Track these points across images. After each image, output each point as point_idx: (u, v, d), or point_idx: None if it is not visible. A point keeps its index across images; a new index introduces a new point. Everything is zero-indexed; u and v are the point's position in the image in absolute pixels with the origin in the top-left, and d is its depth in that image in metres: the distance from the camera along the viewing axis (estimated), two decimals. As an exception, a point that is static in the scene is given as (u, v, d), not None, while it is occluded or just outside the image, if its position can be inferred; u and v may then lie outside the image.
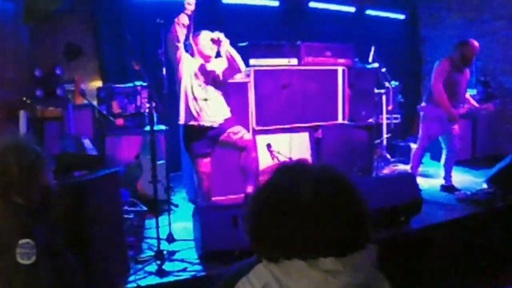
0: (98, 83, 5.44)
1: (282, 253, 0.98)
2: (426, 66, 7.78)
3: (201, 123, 3.75)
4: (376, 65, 5.75)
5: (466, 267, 3.16)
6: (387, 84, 5.92)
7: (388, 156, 6.27)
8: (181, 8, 3.53)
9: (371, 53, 5.80)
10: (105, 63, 5.63)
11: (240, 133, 3.85)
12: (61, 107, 4.17)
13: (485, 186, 4.59)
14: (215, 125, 3.79)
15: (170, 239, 3.48)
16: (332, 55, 5.04)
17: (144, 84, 4.56)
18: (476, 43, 4.62)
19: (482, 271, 3.12)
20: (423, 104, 4.93)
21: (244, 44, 4.45)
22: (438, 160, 5.14)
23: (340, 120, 5.10)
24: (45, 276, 1.67)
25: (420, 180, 4.80)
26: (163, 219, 3.49)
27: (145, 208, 3.84)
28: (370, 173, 5.28)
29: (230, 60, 3.72)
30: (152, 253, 3.22)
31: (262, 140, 4.54)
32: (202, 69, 3.77)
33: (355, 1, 7.20)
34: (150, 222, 3.68)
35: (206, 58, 3.81)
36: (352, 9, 7.18)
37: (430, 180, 5.29)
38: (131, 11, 5.65)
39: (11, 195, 1.71)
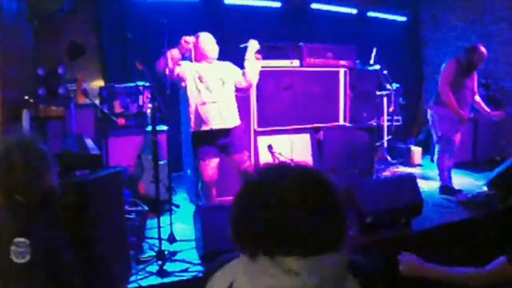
0: (100, 83, 5.46)
1: (257, 249, 0.99)
2: (427, 68, 7.80)
3: (211, 127, 3.68)
4: (377, 67, 5.77)
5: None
6: (388, 86, 5.94)
7: (389, 158, 6.29)
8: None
9: (373, 54, 5.82)
10: (108, 63, 5.64)
11: (246, 163, 3.83)
12: (63, 106, 4.17)
13: (485, 188, 4.59)
14: (225, 127, 3.71)
15: (172, 239, 3.49)
16: (334, 57, 5.04)
17: (146, 84, 4.59)
18: (484, 50, 4.61)
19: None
20: (430, 105, 4.92)
21: (245, 45, 4.45)
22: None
23: (341, 121, 5.10)
24: (38, 276, 1.66)
25: (420, 182, 4.81)
26: (164, 220, 3.50)
27: (146, 208, 3.84)
28: (371, 175, 5.29)
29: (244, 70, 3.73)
30: (154, 253, 3.23)
31: (263, 141, 4.55)
32: (206, 71, 3.70)
33: (357, 3, 7.21)
34: (151, 222, 3.69)
35: (209, 59, 3.75)
36: (354, 11, 7.19)
37: (430, 182, 5.29)
38: (134, 11, 5.67)
39: (13, 194, 1.72)
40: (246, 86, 3.87)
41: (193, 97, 3.69)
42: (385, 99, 5.97)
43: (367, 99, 5.43)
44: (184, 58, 3.73)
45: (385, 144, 6.07)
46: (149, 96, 4.51)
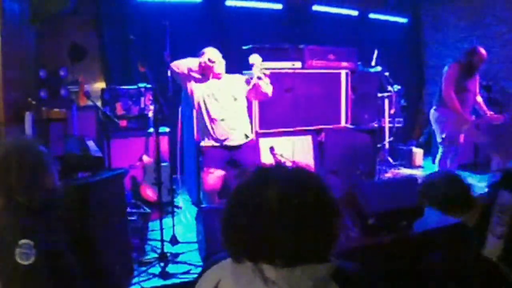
0: (102, 85, 5.46)
1: (240, 253, 0.99)
2: (428, 70, 7.79)
3: (221, 143, 3.61)
4: (379, 68, 5.77)
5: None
6: (389, 88, 5.94)
7: (391, 159, 6.29)
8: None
9: (374, 56, 5.82)
10: (109, 65, 5.64)
11: None
12: (65, 108, 4.18)
13: (487, 190, 4.57)
14: (235, 144, 3.65)
15: (174, 241, 3.49)
16: (335, 59, 5.04)
17: (148, 86, 4.59)
18: (483, 52, 4.66)
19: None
20: (434, 107, 4.94)
21: (247, 47, 4.46)
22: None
23: (343, 123, 5.10)
24: (44, 277, 1.67)
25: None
26: (166, 221, 3.50)
27: (148, 210, 3.85)
28: (372, 176, 5.28)
29: (257, 85, 3.56)
30: (156, 255, 3.23)
31: (265, 143, 4.55)
32: (217, 89, 3.60)
33: (358, 5, 7.22)
34: (153, 224, 3.69)
35: (217, 76, 3.63)
36: (355, 13, 7.19)
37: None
38: (136, 13, 5.67)
39: (13, 196, 1.72)
40: (266, 97, 3.75)
41: (203, 113, 3.61)
42: (386, 101, 5.97)
43: (368, 101, 5.43)
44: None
45: (387, 146, 6.07)
46: (151, 98, 4.52)
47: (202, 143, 3.70)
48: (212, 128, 3.59)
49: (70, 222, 2.17)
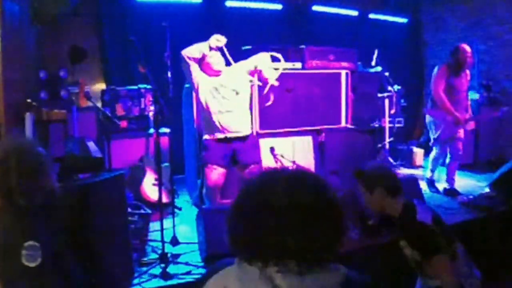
0: (102, 86, 5.46)
1: (248, 254, 0.99)
2: (428, 70, 7.78)
3: (225, 135, 3.68)
4: (379, 69, 5.76)
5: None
6: (390, 88, 5.93)
7: (391, 159, 6.28)
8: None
9: (374, 57, 5.81)
10: (110, 65, 5.65)
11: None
12: (66, 109, 4.18)
13: (487, 190, 4.59)
14: (238, 136, 3.72)
15: (174, 242, 3.49)
16: (335, 59, 5.04)
17: (148, 86, 4.60)
18: (467, 48, 4.74)
19: (483, 275, 3.12)
20: (426, 109, 5.01)
21: (248, 47, 4.46)
22: (441, 164, 5.15)
23: (343, 123, 5.10)
24: (50, 278, 1.68)
25: (422, 184, 4.82)
26: (167, 222, 3.50)
27: (149, 211, 3.85)
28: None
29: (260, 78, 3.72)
30: (156, 256, 3.23)
31: (265, 144, 4.55)
32: (219, 84, 3.68)
33: (358, 5, 7.22)
34: (154, 225, 3.69)
35: (216, 73, 3.71)
36: (355, 13, 7.20)
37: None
38: (136, 14, 5.68)
39: (13, 197, 1.73)
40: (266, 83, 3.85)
41: (208, 105, 3.67)
42: (386, 101, 5.96)
43: (368, 101, 5.43)
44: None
45: (387, 146, 6.06)
46: (151, 98, 4.52)
47: (206, 137, 3.74)
48: (218, 120, 3.65)
49: (71, 223, 2.17)
